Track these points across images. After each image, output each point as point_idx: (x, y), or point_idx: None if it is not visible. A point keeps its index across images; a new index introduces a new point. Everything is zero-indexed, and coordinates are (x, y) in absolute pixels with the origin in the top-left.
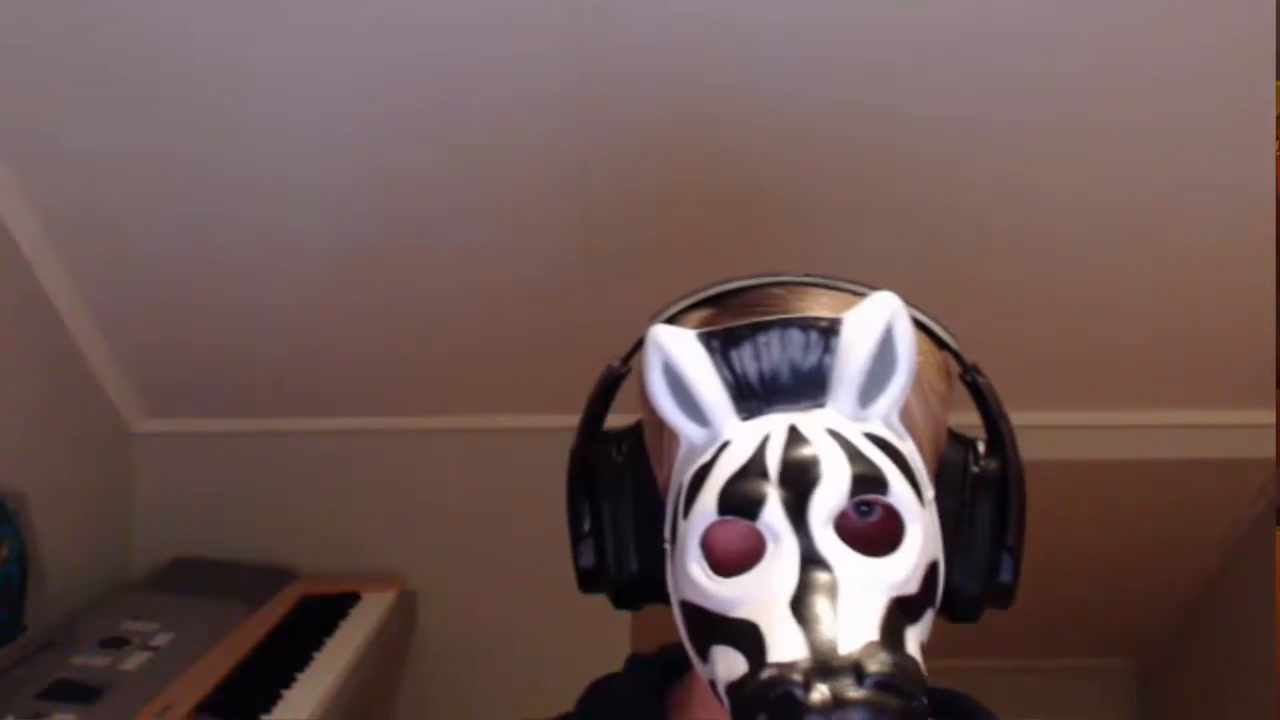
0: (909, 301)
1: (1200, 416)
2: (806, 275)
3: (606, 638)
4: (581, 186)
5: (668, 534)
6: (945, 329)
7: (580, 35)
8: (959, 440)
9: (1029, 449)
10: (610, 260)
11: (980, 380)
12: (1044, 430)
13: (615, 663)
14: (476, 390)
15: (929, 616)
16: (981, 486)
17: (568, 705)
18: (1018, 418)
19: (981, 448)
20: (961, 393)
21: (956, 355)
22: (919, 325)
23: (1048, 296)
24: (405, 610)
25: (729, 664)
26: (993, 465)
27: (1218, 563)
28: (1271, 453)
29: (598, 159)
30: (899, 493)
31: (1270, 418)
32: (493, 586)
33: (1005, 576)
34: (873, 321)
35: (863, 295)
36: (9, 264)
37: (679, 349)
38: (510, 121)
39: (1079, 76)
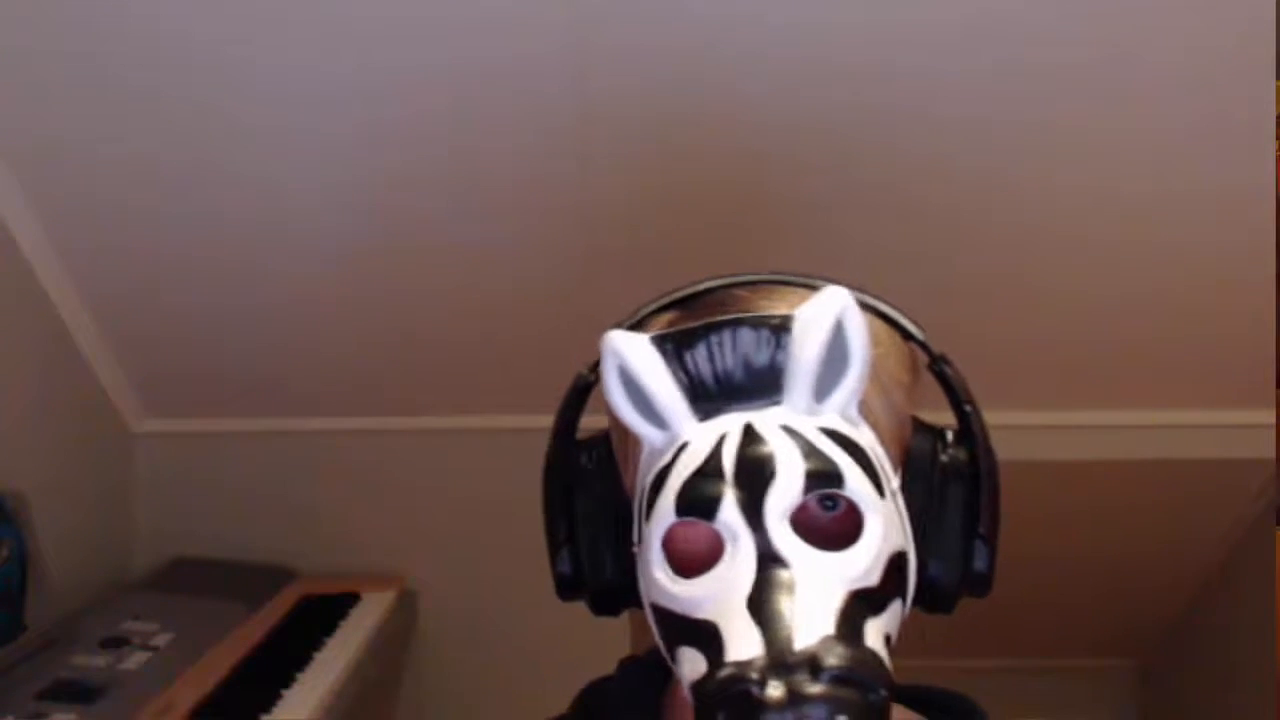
0: (877, 294)
1: (1200, 416)
2: (772, 273)
3: (606, 638)
4: (581, 186)
5: (635, 537)
6: (913, 321)
7: (580, 36)
8: (927, 430)
9: (1029, 449)
10: (610, 260)
11: (947, 370)
12: (1045, 430)
13: (615, 663)
14: (476, 390)
15: (895, 608)
16: (950, 475)
17: (567, 705)
18: (1018, 417)
19: (950, 436)
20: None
21: (923, 346)
22: (884, 317)
23: (1048, 296)
24: (405, 610)
25: (692, 664)
26: (961, 454)
27: (1218, 563)
28: (1271, 453)
29: (598, 159)
30: (855, 486)
31: (1270, 418)
32: (493, 586)
33: (979, 565)
34: (822, 317)
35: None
36: (9, 264)
37: (633, 353)
38: (510, 121)
39: (1079, 76)
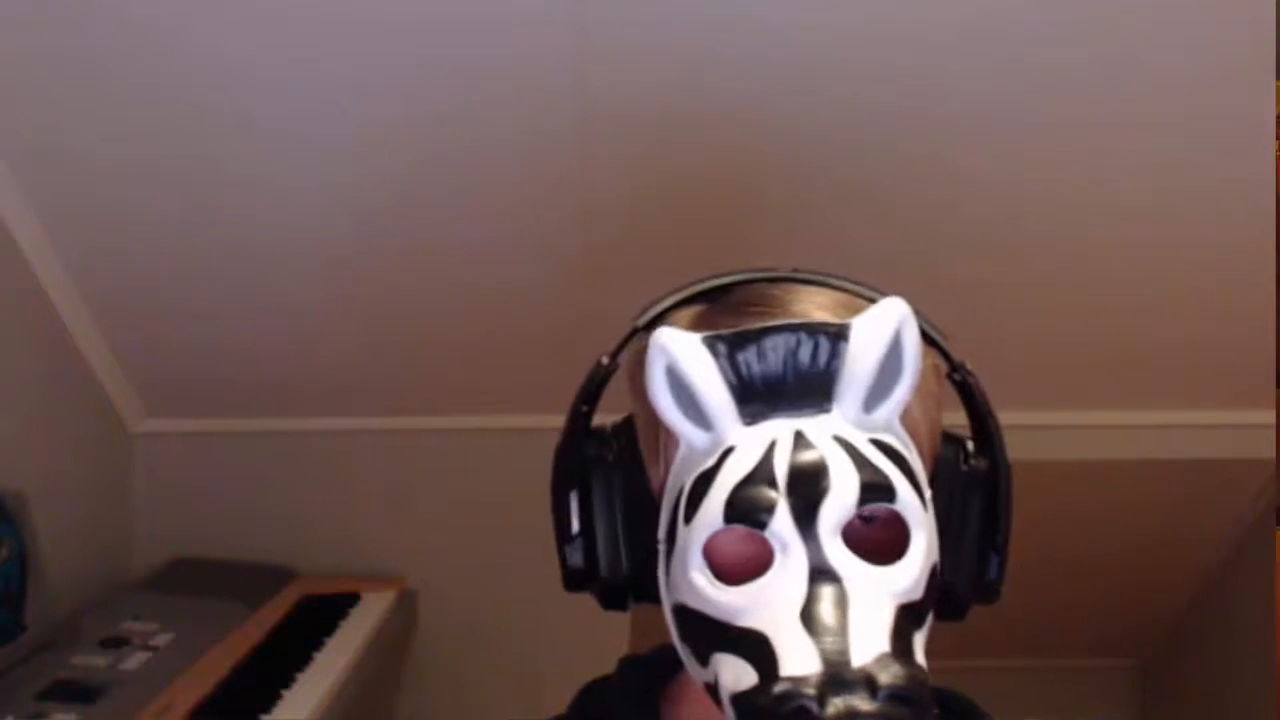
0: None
1: (1200, 416)
2: (795, 270)
3: (606, 637)
4: (582, 186)
5: (663, 535)
6: (934, 326)
7: (580, 36)
8: (950, 439)
9: (1029, 449)
10: (610, 259)
11: (969, 379)
12: (1044, 430)
13: (615, 662)
14: (476, 390)
15: (930, 619)
16: (972, 485)
17: (567, 706)
18: (1018, 417)
19: (970, 446)
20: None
21: (945, 353)
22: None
23: (1048, 296)
24: (405, 610)
25: (736, 674)
26: (982, 464)
27: (1218, 563)
28: (1271, 453)
29: (597, 158)
30: (905, 500)
31: (1270, 418)
32: (493, 586)
33: (993, 574)
34: (883, 328)
35: (854, 292)
36: (9, 264)
37: (684, 352)
38: (510, 121)
39: (1078, 77)
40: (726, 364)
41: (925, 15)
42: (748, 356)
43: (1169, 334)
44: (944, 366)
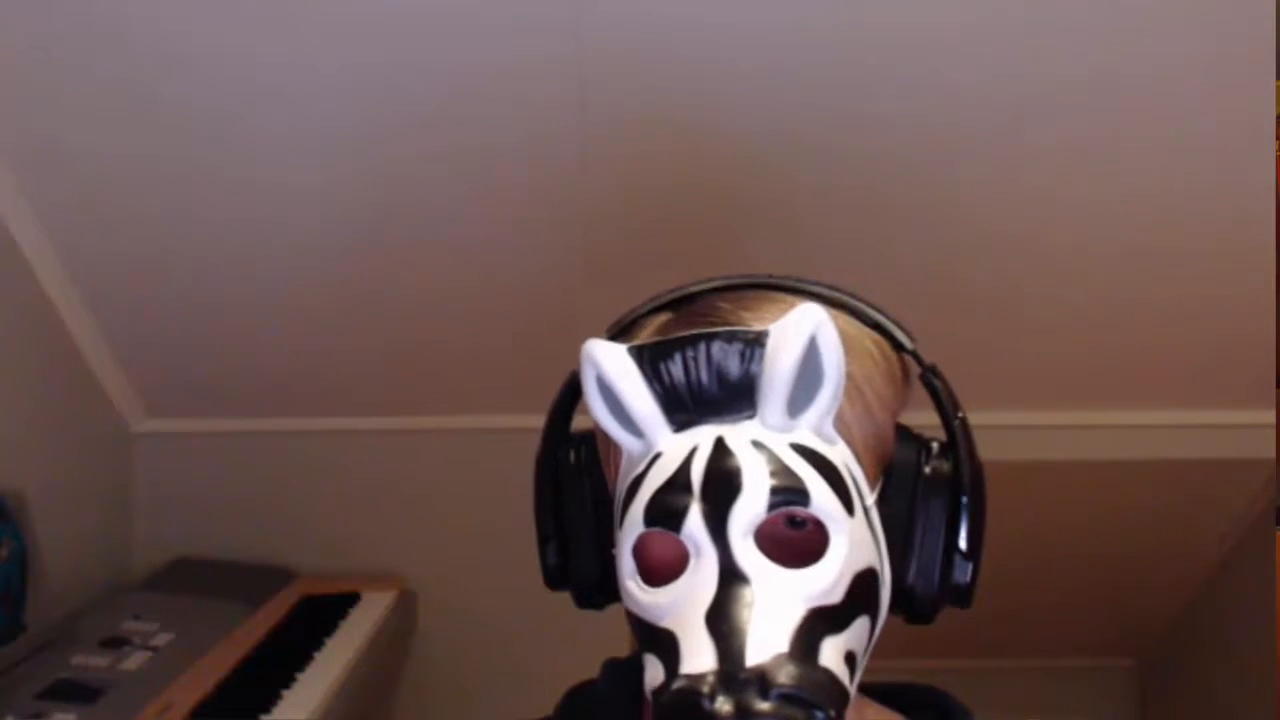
0: (874, 303)
1: (1200, 416)
2: (766, 276)
3: (606, 638)
4: (581, 186)
5: (615, 540)
6: (904, 330)
7: (579, 38)
8: (912, 440)
9: (1029, 449)
10: (609, 260)
11: (936, 382)
12: (1045, 430)
13: None
14: (476, 390)
15: (860, 625)
16: (932, 488)
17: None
18: (1017, 417)
19: (936, 447)
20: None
21: (915, 356)
22: (877, 327)
23: (1048, 298)
24: (405, 610)
25: (653, 672)
26: (945, 466)
27: (1218, 563)
28: (1271, 453)
29: (596, 160)
30: (821, 504)
31: (1270, 418)
32: (493, 586)
33: (959, 578)
34: (796, 333)
35: (824, 296)
36: (9, 264)
37: (609, 363)
38: (509, 121)
39: (1077, 77)
40: (650, 373)
41: (927, 21)
42: (670, 365)
43: (1169, 334)
44: (914, 368)
